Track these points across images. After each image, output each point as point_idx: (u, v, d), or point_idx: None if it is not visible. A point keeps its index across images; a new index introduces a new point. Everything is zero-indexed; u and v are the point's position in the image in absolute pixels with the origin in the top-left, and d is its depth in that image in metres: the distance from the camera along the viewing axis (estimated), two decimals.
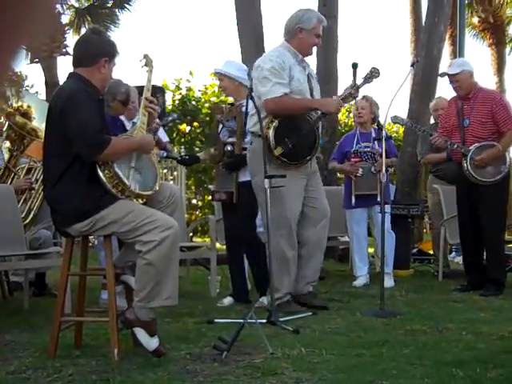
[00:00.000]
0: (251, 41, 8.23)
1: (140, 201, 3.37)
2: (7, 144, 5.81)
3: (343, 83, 15.03)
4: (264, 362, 3.11)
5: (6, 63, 0.66)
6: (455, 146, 5.48)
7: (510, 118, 5.41)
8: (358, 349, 3.34)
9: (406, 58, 20.50)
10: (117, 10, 15.66)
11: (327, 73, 8.22)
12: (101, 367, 3.04)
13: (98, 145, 3.16)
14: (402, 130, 12.66)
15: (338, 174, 8.27)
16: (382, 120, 5.83)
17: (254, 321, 3.47)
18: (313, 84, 4.76)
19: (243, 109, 4.86)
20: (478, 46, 19.31)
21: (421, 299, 5.15)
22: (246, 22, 8.34)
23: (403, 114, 8.16)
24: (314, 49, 4.91)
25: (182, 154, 10.45)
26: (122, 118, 4.77)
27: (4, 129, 5.65)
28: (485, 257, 5.61)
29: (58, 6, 13.52)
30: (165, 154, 5.48)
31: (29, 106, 5.91)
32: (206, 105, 12.47)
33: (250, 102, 4.50)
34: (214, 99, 12.58)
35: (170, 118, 5.53)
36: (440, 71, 6.88)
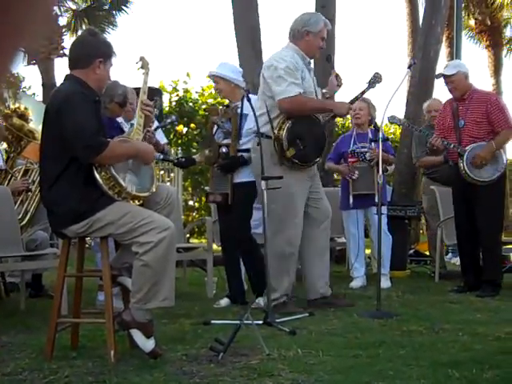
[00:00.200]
0: (248, 42, 8.22)
1: (137, 202, 3.37)
2: (4, 145, 5.81)
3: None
4: (260, 363, 3.11)
5: (4, 65, 0.66)
6: (452, 146, 5.50)
7: (505, 119, 5.42)
8: (354, 350, 3.34)
9: (402, 60, 20.54)
10: (114, 12, 15.68)
11: (324, 75, 8.21)
12: (97, 369, 3.04)
13: (95, 147, 3.15)
14: (398, 131, 12.70)
15: (335, 175, 8.28)
16: (378, 121, 5.84)
17: (250, 322, 3.47)
18: (316, 87, 4.79)
19: (238, 110, 4.87)
20: (475, 48, 19.39)
21: (417, 300, 5.15)
22: (243, 23, 8.33)
23: (400, 115, 8.17)
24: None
25: (179, 155, 10.45)
26: (120, 119, 4.77)
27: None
28: (481, 258, 5.63)
29: (56, 8, 13.51)
30: (161, 157, 5.47)
31: (26, 108, 5.90)
32: (203, 106, 12.50)
33: (246, 103, 4.50)
34: (211, 101, 12.60)
35: (169, 121, 5.53)
36: (437, 73, 6.89)
